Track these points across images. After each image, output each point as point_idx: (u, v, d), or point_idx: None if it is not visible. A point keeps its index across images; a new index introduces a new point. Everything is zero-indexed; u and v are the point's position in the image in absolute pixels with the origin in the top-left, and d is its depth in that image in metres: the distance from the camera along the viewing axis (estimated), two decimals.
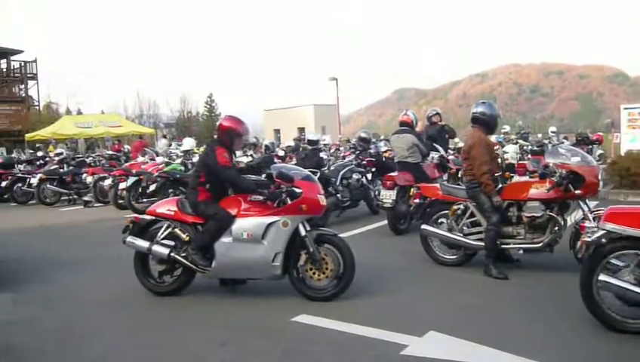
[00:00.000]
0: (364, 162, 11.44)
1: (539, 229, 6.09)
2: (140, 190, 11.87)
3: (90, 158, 16.82)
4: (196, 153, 14.71)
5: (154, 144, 24.81)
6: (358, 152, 11.94)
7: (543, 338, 4.32)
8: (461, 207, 6.49)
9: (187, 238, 5.53)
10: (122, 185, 12.21)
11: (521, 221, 6.12)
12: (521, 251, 6.27)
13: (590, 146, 14.64)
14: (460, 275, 6.21)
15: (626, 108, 18.79)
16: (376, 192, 10.58)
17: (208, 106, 60.25)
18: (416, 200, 7.47)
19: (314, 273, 5.34)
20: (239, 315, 5.11)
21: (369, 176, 11.25)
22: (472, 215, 6.44)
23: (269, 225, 5.23)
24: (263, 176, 5.51)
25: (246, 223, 5.28)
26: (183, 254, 5.52)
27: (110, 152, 19.24)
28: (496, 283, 5.89)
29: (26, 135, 29.55)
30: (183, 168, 12.56)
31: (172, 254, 5.51)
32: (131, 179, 11.97)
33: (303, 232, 5.28)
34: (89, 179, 14.11)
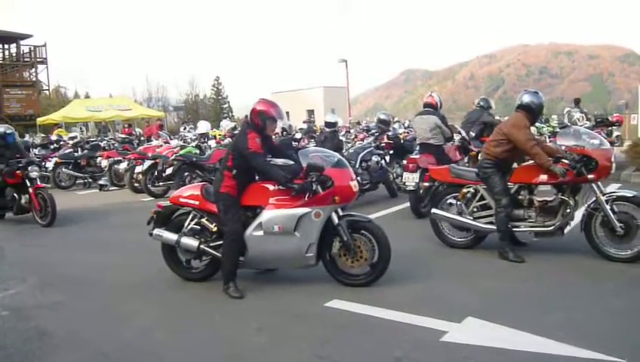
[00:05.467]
0: (382, 144, 11.32)
1: (550, 212, 6.05)
2: (156, 173, 11.82)
3: (104, 142, 16.78)
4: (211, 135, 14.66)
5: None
6: (376, 134, 11.80)
7: (580, 323, 4.25)
8: (471, 190, 6.45)
9: (215, 228, 5.39)
10: (138, 169, 12.18)
11: (533, 204, 6.08)
12: (532, 234, 6.24)
13: (610, 128, 14.41)
14: (485, 259, 6.12)
15: None
16: (395, 175, 10.55)
17: (215, 89, 60.20)
18: (426, 183, 7.36)
19: (347, 259, 5.25)
20: (271, 300, 5.05)
21: (387, 158, 11.14)
22: (482, 198, 6.41)
23: (301, 217, 5.07)
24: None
25: (276, 216, 5.11)
26: (212, 244, 5.41)
27: (123, 136, 19.19)
28: (523, 267, 5.83)
29: (38, 119, 29.53)
30: (198, 151, 12.51)
31: (201, 246, 5.41)
32: (147, 163, 11.93)
33: (336, 221, 5.16)
34: (104, 163, 14.10)
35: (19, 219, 9.61)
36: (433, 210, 6.67)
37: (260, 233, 5.14)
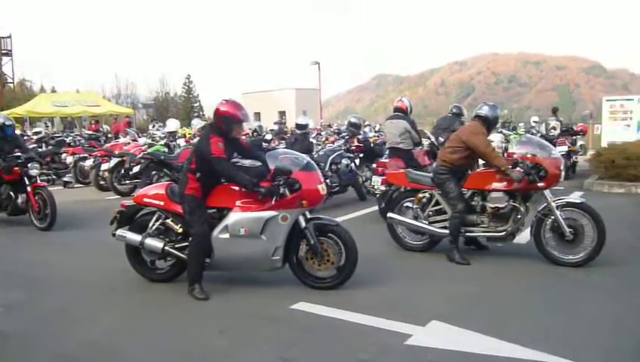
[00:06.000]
0: (352, 147, 11.35)
1: (502, 218, 6.22)
2: (123, 171, 11.63)
3: (70, 138, 16.47)
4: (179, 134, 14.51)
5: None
6: (347, 137, 11.82)
7: (544, 328, 4.30)
8: (426, 195, 6.59)
9: (180, 230, 5.30)
10: (104, 166, 11.98)
11: (485, 210, 6.24)
12: (484, 239, 6.51)
13: (574, 137, 14.70)
14: (456, 266, 6.15)
15: (608, 100, 18.98)
16: (364, 178, 10.58)
17: (186, 87, 59.67)
18: (382, 188, 7.42)
19: (314, 262, 5.22)
20: (236, 302, 4.99)
21: (357, 161, 11.17)
22: (437, 203, 6.54)
23: (268, 220, 5.01)
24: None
25: (243, 219, 5.03)
26: (178, 246, 5.32)
27: (90, 132, 18.87)
28: (488, 271, 5.94)
29: (0, 113, 28.82)
30: (166, 150, 12.33)
31: (166, 248, 5.32)
32: (114, 160, 11.73)
33: (303, 224, 5.13)
34: (69, 159, 13.83)
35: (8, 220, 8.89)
36: (389, 214, 6.81)
37: (226, 236, 5.07)
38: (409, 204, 6.69)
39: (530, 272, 5.87)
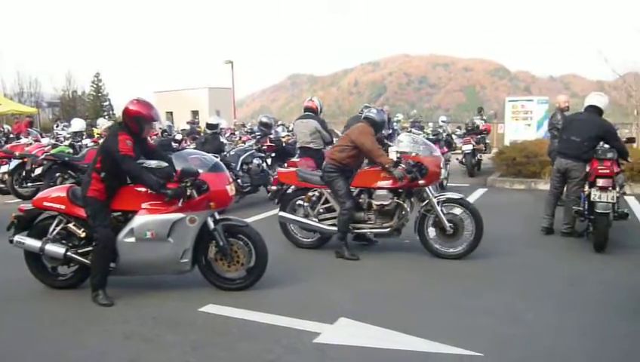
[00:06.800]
0: (264, 147, 11.34)
1: (387, 215, 6.52)
2: (25, 174, 11.05)
3: None
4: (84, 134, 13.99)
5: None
6: (258, 137, 11.80)
7: (449, 321, 4.47)
8: (316, 193, 6.82)
9: (84, 234, 5.10)
10: (4, 169, 11.33)
11: (372, 207, 6.50)
12: (372, 235, 6.77)
13: (479, 136, 15.35)
14: (360, 263, 6.33)
15: (510, 101, 19.97)
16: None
17: (95, 86, 57.52)
18: (274, 187, 7.55)
19: (224, 264, 5.18)
20: (143, 307, 4.87)
21: (269, 161, 11.18)
22: (327, 201, 6.77)
23: (175, 222, 4.92)
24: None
25: (149, 221, 4.91)
26: (81, 251, 5.13)
27: None
28: (393, 268, 6.11)
29: None
30: (71, 150, 11.84)
31: (68, 253, 5.11)
32: (14, 162, 11.11)
33: (211, 226, 5.08)
34: None
35: None
36: (280, 213, 7.00)
37: (132, 239, 4.94)
38: (300, 202, 6.87)
39: (422, 267, 6.13)
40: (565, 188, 7.45)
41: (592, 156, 6.94)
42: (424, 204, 6.41)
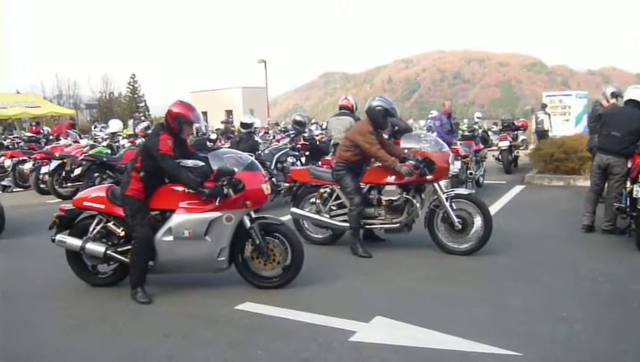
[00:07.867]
0: (298, 145, 11.37)
1: (397, 211, 6.50)
2: (64, 174, 11.32)
3: (8, 140, 15.92)
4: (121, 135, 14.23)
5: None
6: (292, 135, 11.83)
7: (487, 320, 4.41)
8: (327, 190, 6.86)
9: (123, 233, 5.20)
10: (44, 169, 11.62)
11: (381, 203, 6.48)
12: (382, 231, 6.74)
13: (515, 132, 15.11)
14: (395, 258, 6.31)
15: (548, 96, 19.62)
16: None
17: (131, 87, 58.60)
18: (287, 184, 7.56)
19: (260, 262, 5.21)
20: (181, 304, 4.93)
21: (303, 159, 11.20)
22: (338, 197, 6.80)
23: (212, 221, 4.97)
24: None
25: (187, 220, 4.97)
26: (120, 249, 5.22)
27: (29, 134, 18.27)
28: (429, 266, 6.04)
29: None
30: (109, 151, 12.09)
31: (108, 252, 5.21)
32: (54, 163, 11.39)
33: (248, 224, 5.11)
34: (7, 163, 13.39)
35: None
36: (292, 209, 7.07)
37: (170, 238, 5.00)
38: (313, 199, 6.92)
39: (455, 264, 6.04)
40: (606, 185, 7.28)
41: (633, 151, 6.78)
42: (433, 199, 6.42)
